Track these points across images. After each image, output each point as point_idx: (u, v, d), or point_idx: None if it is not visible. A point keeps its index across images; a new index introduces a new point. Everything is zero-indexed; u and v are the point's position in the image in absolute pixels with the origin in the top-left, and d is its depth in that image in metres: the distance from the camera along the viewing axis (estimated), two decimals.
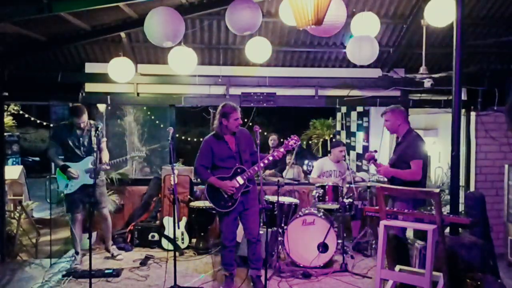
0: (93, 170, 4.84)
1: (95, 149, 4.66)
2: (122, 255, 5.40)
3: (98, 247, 5.65)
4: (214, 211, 4.44)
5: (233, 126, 4.28)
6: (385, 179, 6.18)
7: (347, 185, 5.92)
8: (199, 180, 6.12)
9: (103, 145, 5.26)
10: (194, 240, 5.82)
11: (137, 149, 8.25)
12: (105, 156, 5.19)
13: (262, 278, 4.28)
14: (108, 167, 5.18)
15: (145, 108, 8.64)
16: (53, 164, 6.74)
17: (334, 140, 9.33)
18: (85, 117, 5.04)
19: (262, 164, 4.27)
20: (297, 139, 4.42)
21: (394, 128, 4.58)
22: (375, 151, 4.69)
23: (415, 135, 4.53)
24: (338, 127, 10.97)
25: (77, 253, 5.13)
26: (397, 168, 4.46)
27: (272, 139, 7.73)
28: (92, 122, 5.20)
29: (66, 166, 4.97)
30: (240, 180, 4.25)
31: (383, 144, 6.86)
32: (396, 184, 4.33)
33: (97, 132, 4.76)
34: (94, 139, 4.75)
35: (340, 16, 4.12)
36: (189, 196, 6.00)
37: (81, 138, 5.07)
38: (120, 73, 5.47)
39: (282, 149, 4.34)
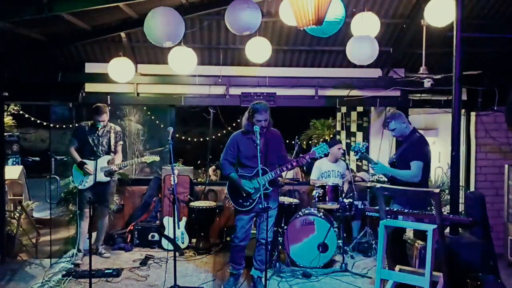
0: (108, 169, 5.20)
1: (112, 149, 5.23)
2: (109, 254, 5.47)
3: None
4: (236, 208, 4.43)
5: (257, 123, 4.22)
6: (386, 179, 6.17)
7: (346, 183, 5.93)
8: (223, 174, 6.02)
9: (119, 147, 5.42)
10: (194, 240, 5.83)
11: (138, 149, 8.24)
12: (119, 158, 5.37)
13: (263, 280, 4.27)
14: (116, 168, 5.30)
15: (145, 108, 8.63)
16: (53, 164, 6.76)
17: (329, 140, 9.27)
18: (105, 116, 5.21)
19: (285, 169, 4.30)
20: (325, 147, 4.31)
21: (402, 132, 4.45)
22: (364, 145, 4.44)
23: (418, 136, 4.42)
24: (338, 127, 10.96)
25: (79, 250, 5.15)
26: (398, 168, 4.36)
27: None
28: (112, 124, 5.38)
29: (83, 163, 5.13)
30: (260, 181, 4.13)
31: (382, 145, 6.88)
32: (398, 184, 4.31)
33: (116, 134, 5.29)
34: (112, 140, 5.23)
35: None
36: (189, 196, 6.01)
37: (100, 138, 5.24)
38: (120, 73, 5.48)
39: (307, 157, 4.30)
